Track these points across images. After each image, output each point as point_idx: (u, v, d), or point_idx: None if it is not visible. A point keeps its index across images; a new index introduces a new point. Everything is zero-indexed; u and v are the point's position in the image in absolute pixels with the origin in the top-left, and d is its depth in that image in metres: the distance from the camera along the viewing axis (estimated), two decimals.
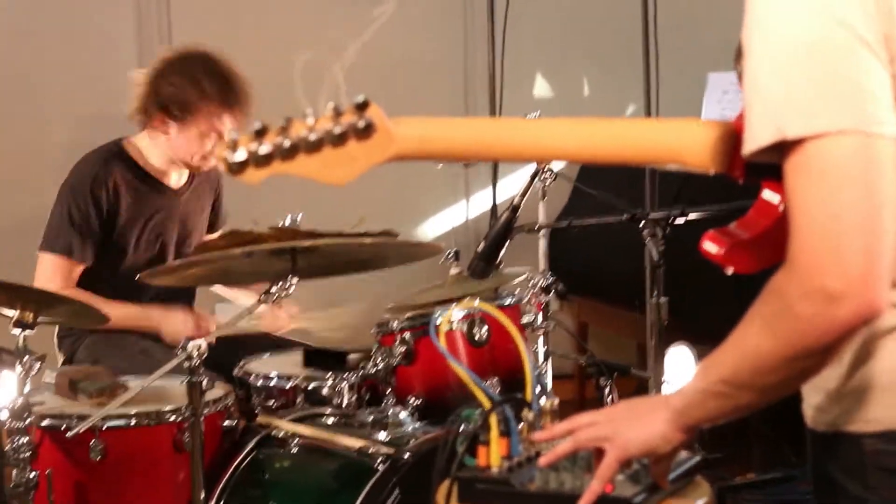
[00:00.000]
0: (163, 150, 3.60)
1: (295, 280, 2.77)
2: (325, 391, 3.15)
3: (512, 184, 5.47)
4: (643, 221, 2.77)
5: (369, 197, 5.07)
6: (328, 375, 3.15)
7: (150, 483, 2.93)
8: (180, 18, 5.20)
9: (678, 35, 5.08)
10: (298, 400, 3.18)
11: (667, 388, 3.33)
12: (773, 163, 1.42)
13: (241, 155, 1.41)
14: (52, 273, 3.52)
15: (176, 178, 3.69)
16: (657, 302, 2.76)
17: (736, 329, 1.48)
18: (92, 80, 5.04)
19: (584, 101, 5.64)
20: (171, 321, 3.50)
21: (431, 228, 5.57)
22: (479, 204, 5.57)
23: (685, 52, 5.21)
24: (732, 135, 1.52)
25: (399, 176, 5.34)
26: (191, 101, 3.47)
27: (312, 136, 1.42)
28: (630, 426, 1.63)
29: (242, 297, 3.77)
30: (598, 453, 1.71)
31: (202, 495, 2.72)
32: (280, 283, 2.77)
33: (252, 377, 3.24)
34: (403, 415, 2.93)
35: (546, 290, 3.27)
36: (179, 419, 2.91)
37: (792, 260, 1.38)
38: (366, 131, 1.42)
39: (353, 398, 3.14)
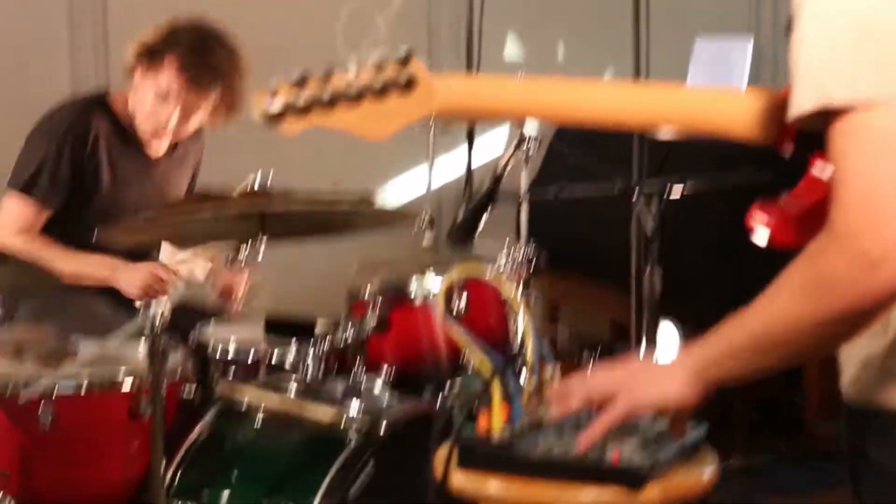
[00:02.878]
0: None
1: (263, 243, 2.84)
2: (289, 361, 3.20)
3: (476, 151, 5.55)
4: (635, 194, 2.84)
5: (333, 159, 5.15)
6: (292, 344, 3.20)
7: (102, 452, 2.97)
8: None
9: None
10: (261, 369, 3.23)
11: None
12: (820, 134, 1.49)
13: (278, 105, 1.46)
14: (17, 215, 3.57)
15: (158, 143, 3.72)
16: (651, 276, 2.83)
17: (765, 292, 1.54)
18: None
19: (559, 63, 5.71)
20: (131, 273, 3.53)
21: (394, 193, 5.64)
22: (443, 170, 5.64)
23: (673, 14, 5.31)
24: (781, 106, 1.58)
25: (361, 140, 5.40)
26: (159, 50, 3.53)
27: (353, 89, 1.48)
28: (645, 381, 1.70)
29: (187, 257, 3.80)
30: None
31: (161, 466, 2.77)
32: (247, 245, 2.83)
33: (210, 344, 3.29)
34: (377, 385, 2.99)
35: (527, 261, 3.34)
36: (136, 385, 2.95)
37: (832, 224, 1.45)
38: (407, 86, 1.49)
39: (320, 368, 3.20)
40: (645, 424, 1.97)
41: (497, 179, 3.11)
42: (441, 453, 1.97)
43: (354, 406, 2.87)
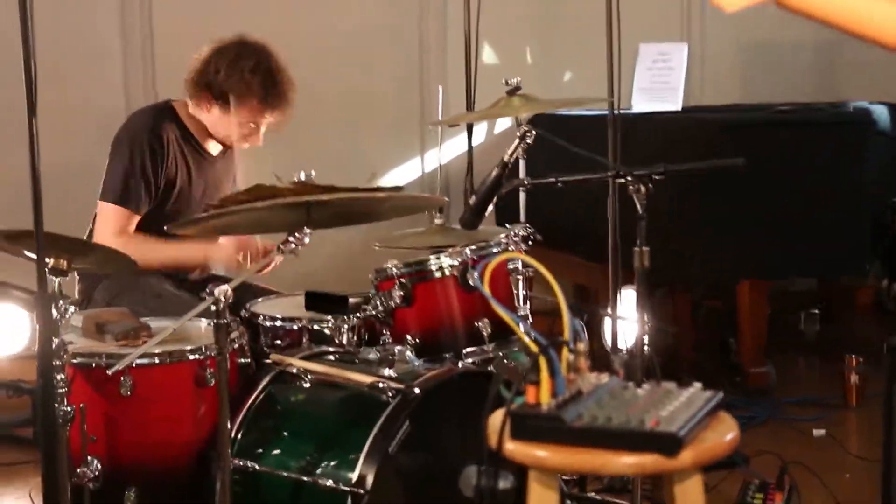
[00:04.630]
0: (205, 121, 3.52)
1: (309, 231, 2.69)
2: (327, 331, 3.08)
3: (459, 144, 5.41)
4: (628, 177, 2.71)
5: (327, 152, 5.00)
6: (330, 317, 3.07)
7: (174, 416, 2.82)
8: None
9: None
10: (304, 339, 3.09)
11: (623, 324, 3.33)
12: None
13: None
14: (113, 223, 3.42)
15: (214, 145, 3.61)
16: (640, 251, 2.71)
17: None
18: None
19: (528, 67, 5.55)
20: (223, 250, 3.41)
21: (388, 183, 5.48)
22: (432, 160, 5.50)
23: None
24: None
25: (355, 132, 5.27)
26: (234, 93, 3.41)
27: None
28: None
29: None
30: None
31: (227, 428, 2.62)
32: (296, 233, 2.68)
33: (260, 318, 3.14)
34: (408, 353, 2.86)
35: (525, 239, 3.20)
36: (202, 357, 2.81)
37: None
38: None
39: (353, 338, 3.07)
40: (681, 392, 1.84)
41: (504, 167, 2.98)
42: (493, 423, 1.82)
43: (390, 371, 2.74)
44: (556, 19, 5.57)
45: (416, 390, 2.64)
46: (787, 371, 4.80)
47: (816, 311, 5.57)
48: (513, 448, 1.77)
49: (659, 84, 5.13)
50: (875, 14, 1.49)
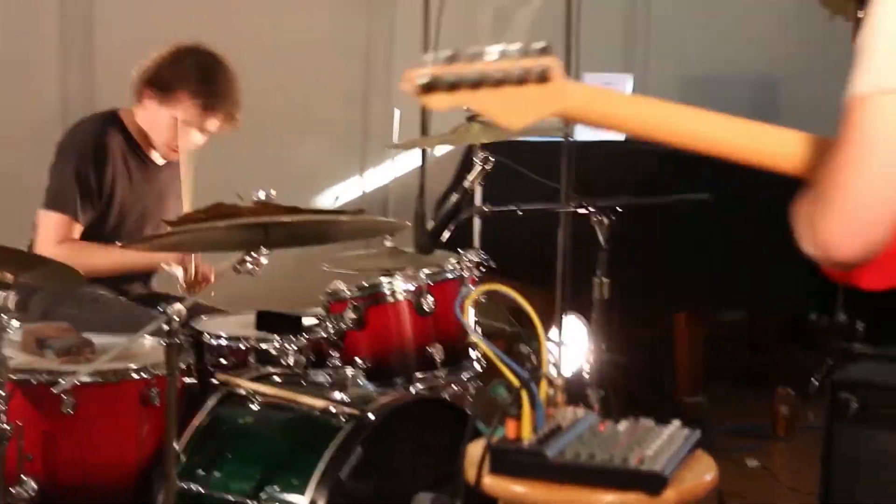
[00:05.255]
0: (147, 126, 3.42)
1: (266, 251, 2.61)
2: (273, 352, 2.99)
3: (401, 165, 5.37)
4: (591, 209, 2.68)
5: (267, 166, 4.91)
6: (279, 337, 2.99)
7: (116, 436, 2.72)
8: None
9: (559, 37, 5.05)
10: (251, 359, 3.00)
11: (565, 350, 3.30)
12: None
13: (427, 78, 1.29)
14: (54, 231, 3.32)
15: (159, 155, 3.51)
16: (601, 282, 2.68)
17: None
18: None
19: None
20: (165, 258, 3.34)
21: (327, 202, 5.41)
22: (373, 180, 5.44)
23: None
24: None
25: (295, 147, 5.19)
26: (171, 84, 3.34)
27: (495, 74, 1.31)
28: None
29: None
30: None
31: (175, 448, 2.52)
32: (253, 253, 2.60)
33: (204, 336, 3.05)
34: (360, 377, 2.78)
35: (478, 265, 3.16)
36: (148, 376, 2.72)
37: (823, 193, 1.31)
38: (542, 79, 1.32)
39: (301, 359, 2.99)
40: (662, 430, 1.80)
41: (464, 193, 2.93)
42: (472, 457, 1.76)
43: (342, 395, 2.66)
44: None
45: (371, 416, 2.57)
46: (715, 401, 4.81)
47: (743, 341, 5.61)
48: (491, 483, 1.72)
49: None
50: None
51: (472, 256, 3.14)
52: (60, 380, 2.55)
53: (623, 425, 1.82)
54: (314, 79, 5.26)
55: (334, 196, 5.37)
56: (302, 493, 2.48)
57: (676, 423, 1.84)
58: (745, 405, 5.06)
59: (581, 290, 3.84)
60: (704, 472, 1.76)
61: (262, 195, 2.61)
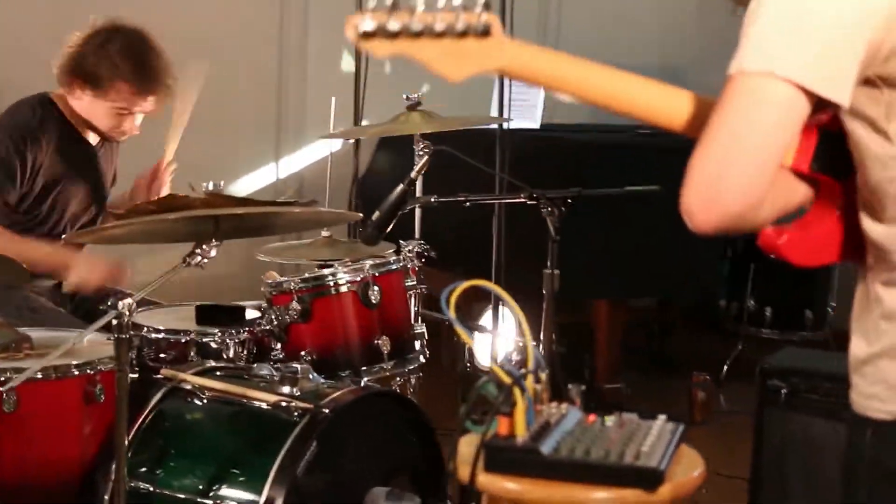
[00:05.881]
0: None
1: (216, 244, 2.54)
2: (214, 345, 2.92)
3: (311, 153, 5.31)
4: (542, 199, 2.67)
5: (181, 152, 4.78)
6: (220, 330, 2.92)
7: (60, 434, 2.63)
8: None
9: None
10: (191, 353, 2.93)
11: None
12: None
13: (370, 25, 1.30)
14: None
15: (95, 136, 3.41)
16: (552, 274, 2.68)
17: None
18: None
19: (387, 77, 5.46)
20: (83, 264, 3.15)
21: (242, 189, 5.31)
22: (287, 167, 5.36)
23: None
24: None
25: (210, 135, 5.06)
26: (104, 77, 3.22)
27: (438, 25, 1.33)
28: None
29: None
30: None
31: (125, 447, 2.43)
32: (203, 245, 2.53)
33: (144, 330, 2.96)
34: (310, 371, 2.73)
35: (419, 256, 3.13)
36: (92, 372, 2.63)
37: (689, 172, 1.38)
38: (484, 34, 1.35)
39: (243, 352, 2.93)
40: (650, 424, 1.80)
41: (410, 183, 2.89)
42: (462, 454, 1.74)
43: (293, 390, 2.61)
44: None
45: (326, 411, 2.53)
46: (630, 387, 4.87)
47: (652, 328, 5.68)
48: (486, 481, 1.69)
49: (518, 101, 5.13)
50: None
51: (414, 246, 3.11)
52: (8, 376, 2.45)
53: (611, 421, 1.82)
54: (227, 66, 5.13)
55: (249, 184, 5.28)
56: (258, 490, 2.42)
57: (662, 417, 1.84)
58: (660, 391, 5.13)
59: (516, 278, 3.86)
60: (693, 467, 1.76)
61: (210, 186, 2.55)
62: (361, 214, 2.95)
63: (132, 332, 2.79)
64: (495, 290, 1.85)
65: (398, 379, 3.05)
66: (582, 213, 4.20)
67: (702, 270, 4.65)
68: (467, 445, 1.75)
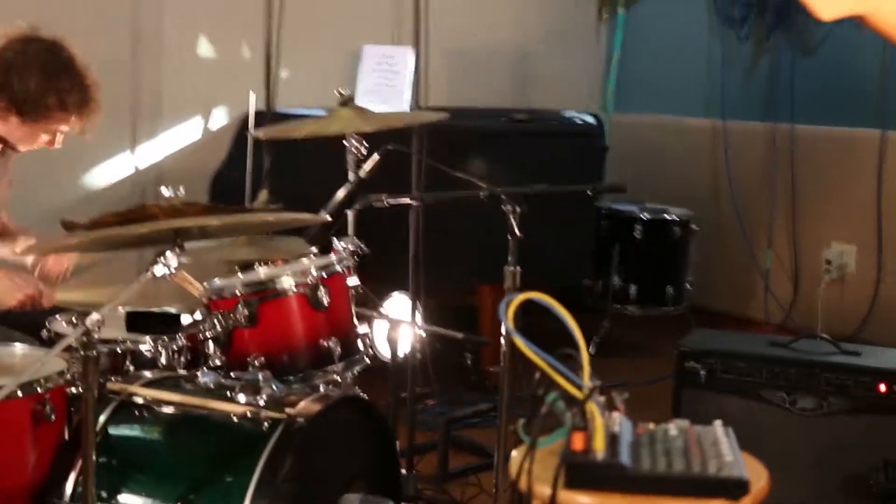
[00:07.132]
0: None
1: (179, 250, 2.38)
2: (147, 353, 2.76)
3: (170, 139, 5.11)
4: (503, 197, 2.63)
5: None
6: (154, 337, 2.76)
7: (7, 458, 2.41)
8: None
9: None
10: (127, 363, 2.75)
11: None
12: None
13: None
14: None
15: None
16: (514, 271, 2.64)
17: None
18: None
19: (246, 63, 5.28)
20: (11, 283, 2.89)
21: (97, 179, 5.04)
22: (145, 156, 5.12)
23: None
24: None
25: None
26: (49, 108, 3.03)
27: None
28: None
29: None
30: None
31: (92, 470, 2.25)
32: (166, 252, 2.36)
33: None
34: (271, 378, 2.59)
35: (353, 253, 3.03)
36: (41, 391, 2.42)
37: None
38: None
39: (180, 360, 2.78)
40: (713, 431, 1.79)
41: (358, 183, 2.79)
42: (517, 467, 1.69)
43: (258, 398, 2.48)
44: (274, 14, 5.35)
45: (300, 420, 2.42)
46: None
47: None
48: (569, 498, 1.65)
49: (384, 87, 5.06)
50: None
51: (349, 245, 3.01)
52: None
53: (672, 429, 1.80)
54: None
55: (104, 173, 5.02)
56: None
57: (718, 422, 1.84)
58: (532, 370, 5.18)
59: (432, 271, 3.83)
60: (760, 475, 1.76)
61: (168, 193, 2.39)
62: (328, 217, 2.83)
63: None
64: (551, 304, 1.80)
65: (349, 382, 2.96)
66: (464, 204, 4.23)
67: (586, 255, 4.74)
68: (520, 457, 1.70)
